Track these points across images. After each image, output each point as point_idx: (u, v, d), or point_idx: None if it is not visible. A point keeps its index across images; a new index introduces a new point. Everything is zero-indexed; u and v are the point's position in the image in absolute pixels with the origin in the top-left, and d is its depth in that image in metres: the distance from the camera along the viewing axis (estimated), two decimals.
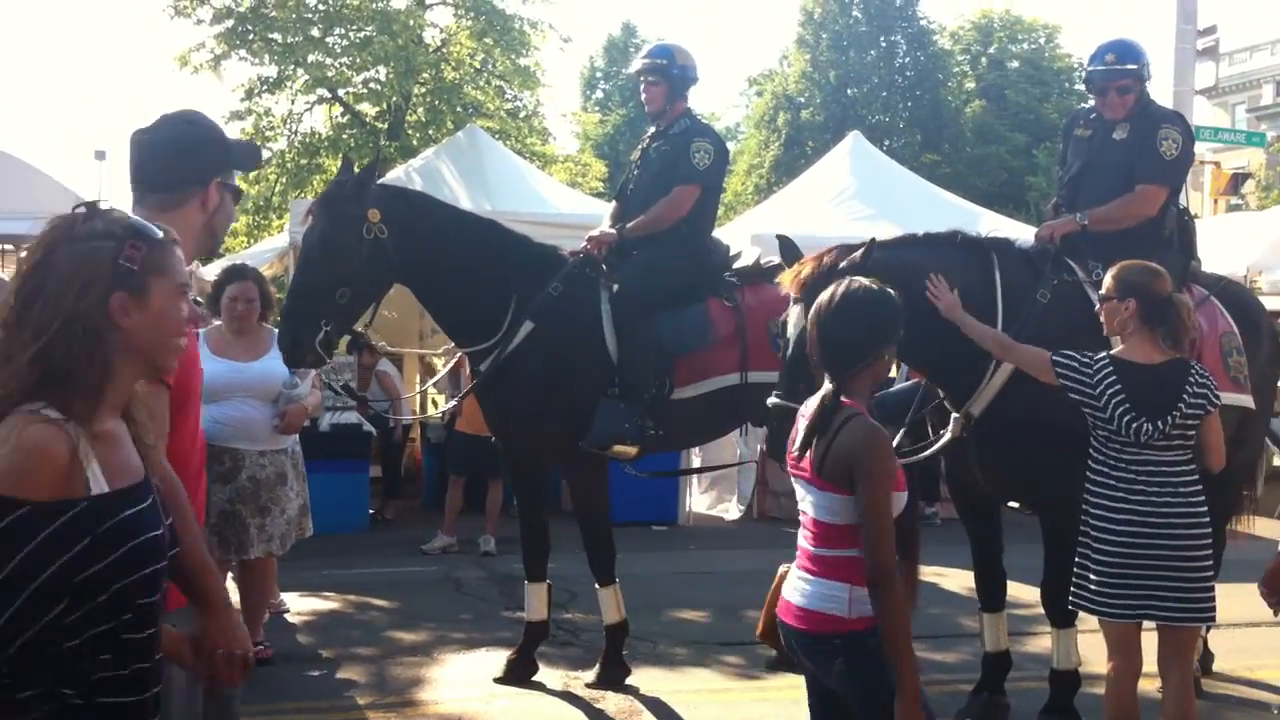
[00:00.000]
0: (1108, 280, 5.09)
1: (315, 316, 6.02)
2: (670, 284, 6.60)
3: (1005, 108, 46.81)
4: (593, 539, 6.76)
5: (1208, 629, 6.78)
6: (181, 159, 3.10)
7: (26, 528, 2.18)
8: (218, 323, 7.18)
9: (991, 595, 6.08)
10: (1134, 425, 4.81)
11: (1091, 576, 4.88)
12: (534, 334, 6.41)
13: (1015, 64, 48.52)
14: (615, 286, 6.57)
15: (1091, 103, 6.63)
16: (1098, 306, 5.16)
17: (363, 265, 6.08)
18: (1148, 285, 4.99)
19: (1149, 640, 5.02)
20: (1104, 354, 4.98)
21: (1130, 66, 6.31)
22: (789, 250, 5.52)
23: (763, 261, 7.23)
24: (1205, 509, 4.88)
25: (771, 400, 5.19)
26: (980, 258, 5.77)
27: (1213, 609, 4.89)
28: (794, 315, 5.17)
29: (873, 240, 5.29)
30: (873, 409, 3.74)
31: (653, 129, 7.27)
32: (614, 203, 7.40)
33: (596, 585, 6.76)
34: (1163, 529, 4.78)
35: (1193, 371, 4.93)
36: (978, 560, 6.14)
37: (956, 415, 5.54)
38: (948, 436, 5.50)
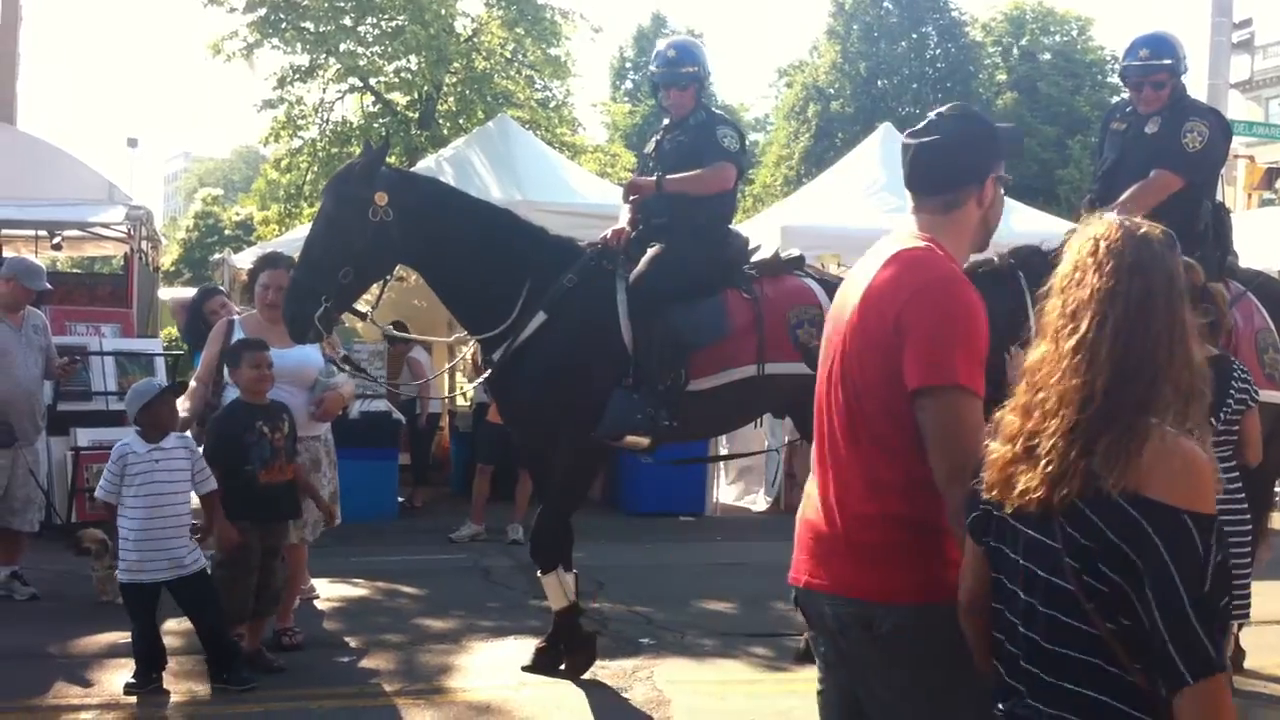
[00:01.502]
0: None
1: (316, 293, 6.10)
2: (688, 275, 6.57)
3: (1037, 100, 46.52)
4: (547, 523, 6.61)
5: (1240, 626, 6.77)
6: (958, 158, 3.04)
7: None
8: (253, 311, 7.23)
9: None
10: None
11: None
12: (547, 325, 6.41)
13: (1047, 56, 48.21)
14: (631, 278, 6.56)
15: (1127, 95, 6.59)
16: None
17: (366, 246, 6.17)
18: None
19: None
20: None
21: (1165, 61, 6.27)
22: None
23: (783, 254, 7.23)
24: (1246, 505, 4.87)
25: None
26: (1008, 282, 5.71)
27: (1248, 606, 4.87)
28: None
29: None
30: None
31: (667, 121, 7.24)
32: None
33: (539, 573, 6.63)
34: None
35: (1235, 368, 4.92)
36: None
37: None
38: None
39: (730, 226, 7.14)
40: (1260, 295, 6.42)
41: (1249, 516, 4.87)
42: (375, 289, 6.71)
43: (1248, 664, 6.89)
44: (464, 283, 6.54)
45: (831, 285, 6.96)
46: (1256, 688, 6.70)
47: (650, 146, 7.25)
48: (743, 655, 7.18)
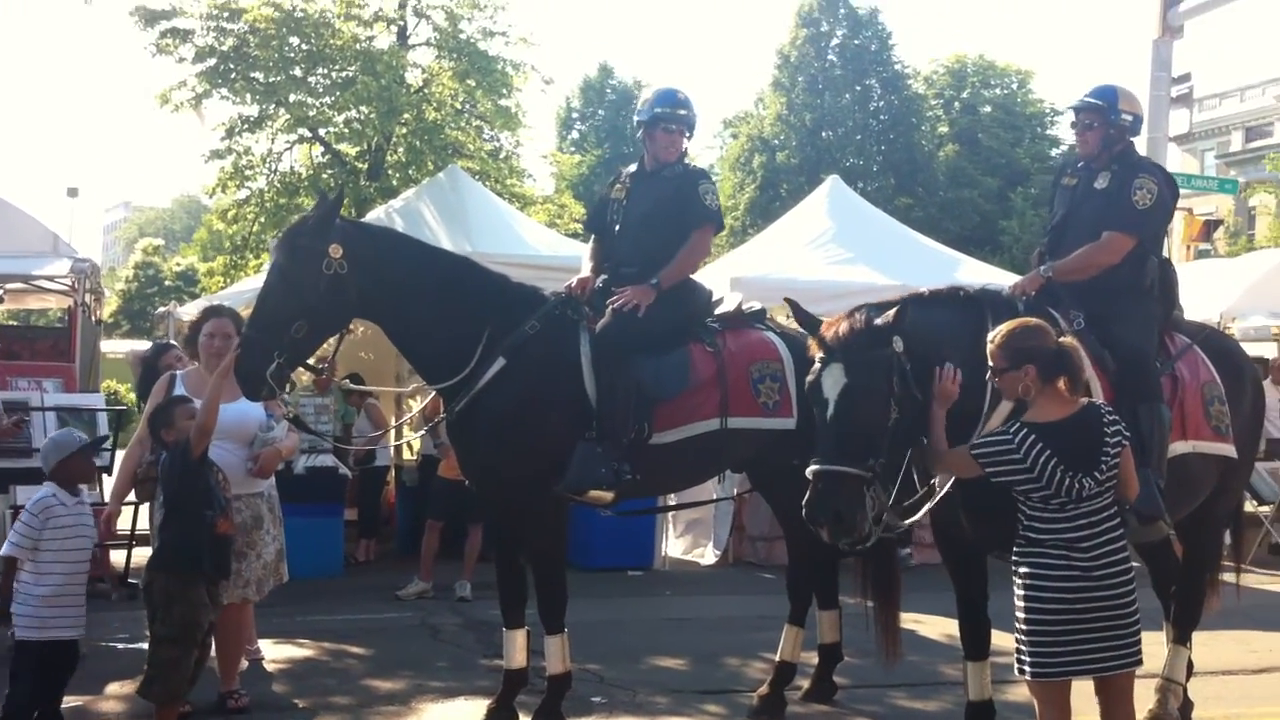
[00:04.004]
0: (994, 351, 5.08)
1: (269, 348, 6.01)
2: (652, 328, 6.55)
3: (978, 152, 47.22)
4: (546, 585, 6.57)
5: (1189, 676, 6.81)
6: None
7: None
8: (196, 365, 7.12)
9: (976, 643, 6.04)
10: (1074, 484, 4.82)
11: (1034, 638, 4.85)
12: (506, 371, 6.33)
13: (988, 109, 48.97)
14: (596, 328, 6.54)
15: (1077, 150, 6.69)
16: (990, 377, 5.17)
17: (320, 300, 6.09)
18: (1039, 346, 5.02)
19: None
20: (1017, 423, 4.98)
21: (1097, 102, 6.37)
22: (802, 314, 5.53)
23: (744, 306, 7.23)
24: (1128, 551, 4.95)
25: (814, 468, 5.14)
26: (975, 312, 5.77)
27: (1141, 651, 4.94)
28: (832, 375, 5.16)
29: (908, 299, 5.31)
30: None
31: (635, 167, 7.23)
32: (593, 241, 7.31)
33: (545, 634, 6.54)
34: (1105, 580, 4.82)
35: (1103, 413, 4.99)
36: (962, 608, 6.10)
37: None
38: (941, 491, 5.48)
39: (694, 278, 7.14)
40: (1206, 349, 6.50)
41: (1129, 556, 4.93)
42: (330, 344, 6.62)
43: (1196, 714, 6.92)
44: (422, 332, 6.48)
45: (793, 338, 6.98)
46: None
47: (619, 192, 7.15)
48: (695, 713, 7.13)
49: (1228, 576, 7.30)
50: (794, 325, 7.75)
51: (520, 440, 6.32)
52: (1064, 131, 47.81)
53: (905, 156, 47.59)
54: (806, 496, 5.13)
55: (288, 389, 8.07)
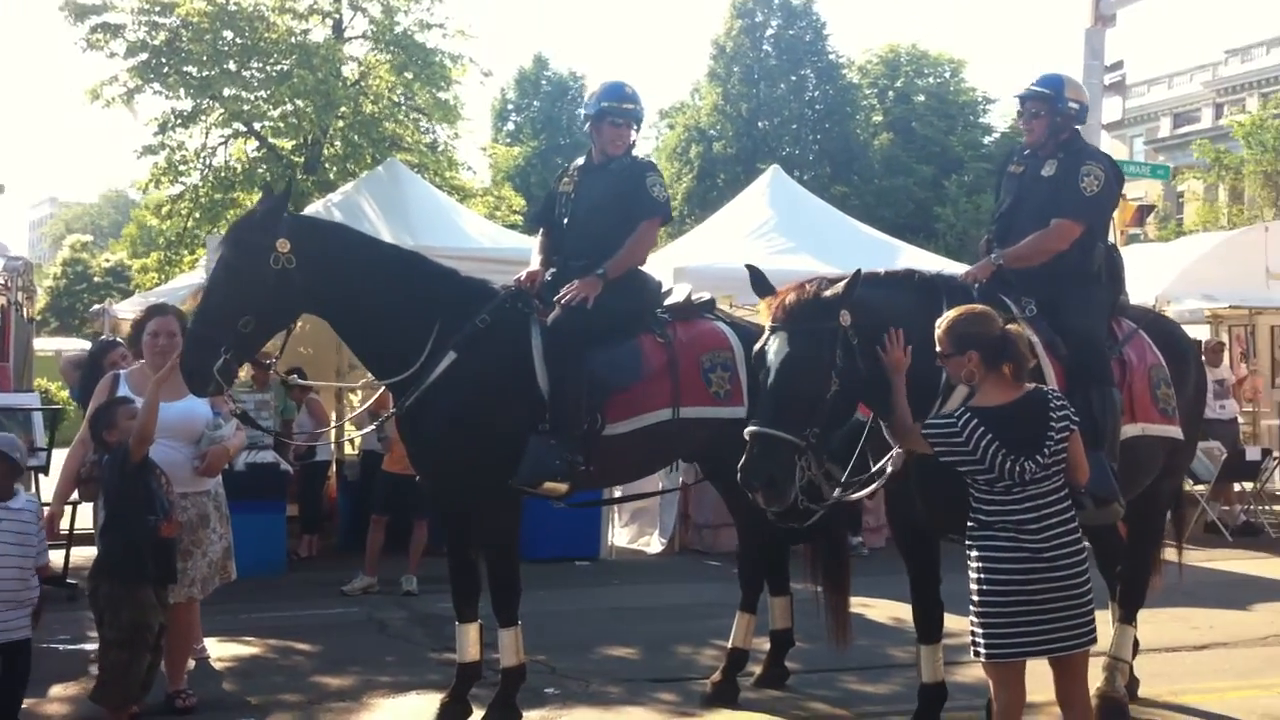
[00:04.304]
0: (940, 336, 5.14)
1: (216, 344, 5.92)
2: (603, 319, 6.54)
3: (912, 140, 47.66)
4: (500, 578, 6.52)
5: (1135, 654, 6.92)
6: None
7: None
8: (140, 364, 7.02)
9: (928, 627, 6.09)
10: (1016, 467, 4.88)
11: (988, 620, 4.92)
12: (456, 365, 6.28)
13: (922, 98, 49.42)
14: (548, 321, 6.51)
15: (1023, 139, 6.76)
16: (939, 362, 5.23)
17: (267, 295, 6.01)
18: (983, 332, 5.07)
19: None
20: (962, 408, 5.06)
21: (1044, 90, 6.44)
22: (759, 282, 5.54)
23: (694, 297, 7.24)
24: (1081, 532, 5.02)
25: (751, 429, 5.20)
26: (934, 295, 5.81)
27: (1095, 630, 5.01)
28: (776, 343, 5.22)
29: (858, 273, 5.34)
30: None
31: (582, 160, 7.21)
32: (541, 235, 7.28)
33: (498, 626, 6.48)
34: (1056, 561, 4.87)
35: (1050, 397, 5.06)
36: (916, 592, 6.15)
37: (898, 451, 5.54)
38: (890, 471, 5.51)
39: (643, 269, 7.12)
40: (1151, 333, 6.60)
41: (1084, 543, 5.01)
42: (277, 340, 6.53)
43: (1142, 691, 7.02)
44: (371, 327, 6.41)
45: (742, 328, 6.98)
46: (1150, 715, 6.83)
47: (567, 185, 7.15)
48: (649, 701, 7.13)
49: (1168, 555, 7.42)
50: (742, 314, 7.80)
51: (472, 434, 6.27)
52: (996, 119, 48.53)
53: (840, 145, 47.93)
54: (742, 460, 5.18)
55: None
